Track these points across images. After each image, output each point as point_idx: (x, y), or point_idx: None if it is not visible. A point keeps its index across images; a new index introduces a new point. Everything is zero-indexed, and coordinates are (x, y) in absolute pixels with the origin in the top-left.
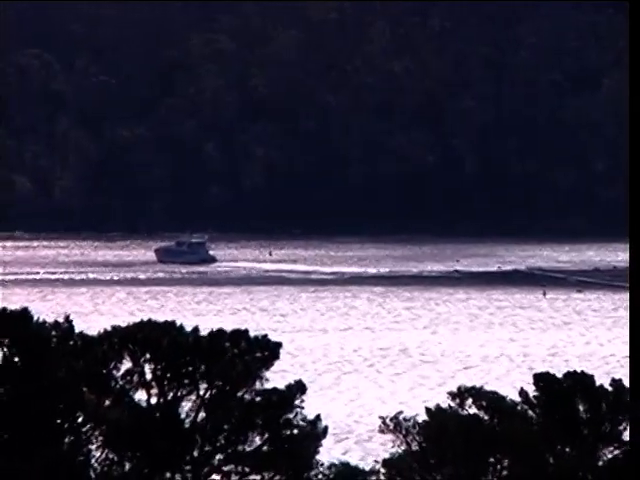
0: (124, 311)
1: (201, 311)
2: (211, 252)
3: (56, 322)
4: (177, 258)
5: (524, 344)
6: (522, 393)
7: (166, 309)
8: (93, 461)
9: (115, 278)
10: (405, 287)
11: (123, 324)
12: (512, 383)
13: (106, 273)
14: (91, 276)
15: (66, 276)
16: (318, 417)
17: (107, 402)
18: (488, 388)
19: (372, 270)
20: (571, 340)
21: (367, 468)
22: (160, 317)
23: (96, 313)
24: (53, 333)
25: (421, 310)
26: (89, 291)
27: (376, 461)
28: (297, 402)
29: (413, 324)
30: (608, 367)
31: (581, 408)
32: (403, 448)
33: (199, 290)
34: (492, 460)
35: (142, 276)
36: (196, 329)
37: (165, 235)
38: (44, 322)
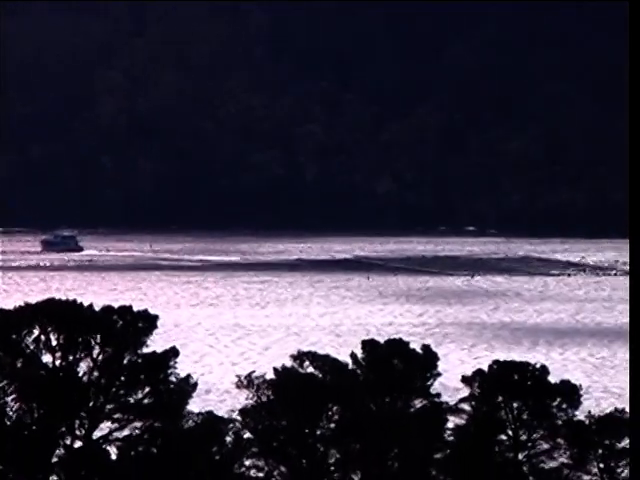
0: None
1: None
2: (80, 243)
3: None
4: (53, 247)
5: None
6: (353, 356)
7: (51, 290)
8: (9, 411)
9: (16, 264)
10: (254, 272)
11: (32, 301)
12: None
13: (12, 258)
14: None
15: None
16: (189, 375)
17: (19, 363)
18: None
19: (232, 258)
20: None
21: (225, 416)
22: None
23: None
24: None
25: (261, 291)
26: None
27: (232, 410)
28: (172, 363)
29: (250, 302)
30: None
31: (398, 367)
32: (255, 399)
33: (74, 274)
34: (325, 408)
35: (27, 262)
36: (91, 305)
37: (52, 230)
38: None
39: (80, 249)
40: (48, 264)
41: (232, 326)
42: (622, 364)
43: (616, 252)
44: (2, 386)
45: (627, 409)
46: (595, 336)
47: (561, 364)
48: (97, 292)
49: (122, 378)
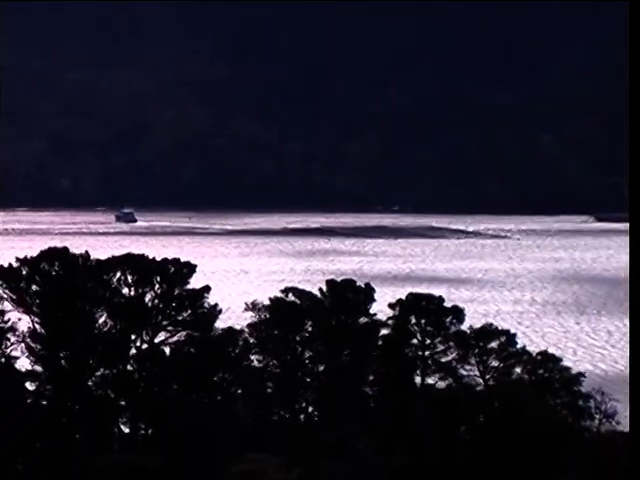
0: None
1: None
2: (136, 217)
3: (81, 254)
4: (120, 219)
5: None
6: (321, 290)
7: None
8: (100, 325)
9: (100, 230)
10: (251, 236)
11: (111, 254)
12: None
13: (97, 227)
14: (86, 229)
15: (73, 229)
16: (216, 304)
17: (108, 294)
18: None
19: (238, 227)
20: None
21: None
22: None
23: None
24: (80, 259)
25: (251, 248)
26: (84, 237)
27: (243, 325)
28: (205, 295)
29: (242, 254)
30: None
31: (349, 297)
32: (257, 318)
33: (135, 237)
34: (302, 324)
35: (106, 229)
36: (154, 257)
37: (119, 208)
38: (74, 254)
39: (135, 221)
40: (118, 230)
41: (229, 270)
42: (479, 298)
43: (486, 224)
44: (96, 309)
45: (493, 324)
46: (463, 279)
47: None
48: (146, 249)
49: (173, 304)
